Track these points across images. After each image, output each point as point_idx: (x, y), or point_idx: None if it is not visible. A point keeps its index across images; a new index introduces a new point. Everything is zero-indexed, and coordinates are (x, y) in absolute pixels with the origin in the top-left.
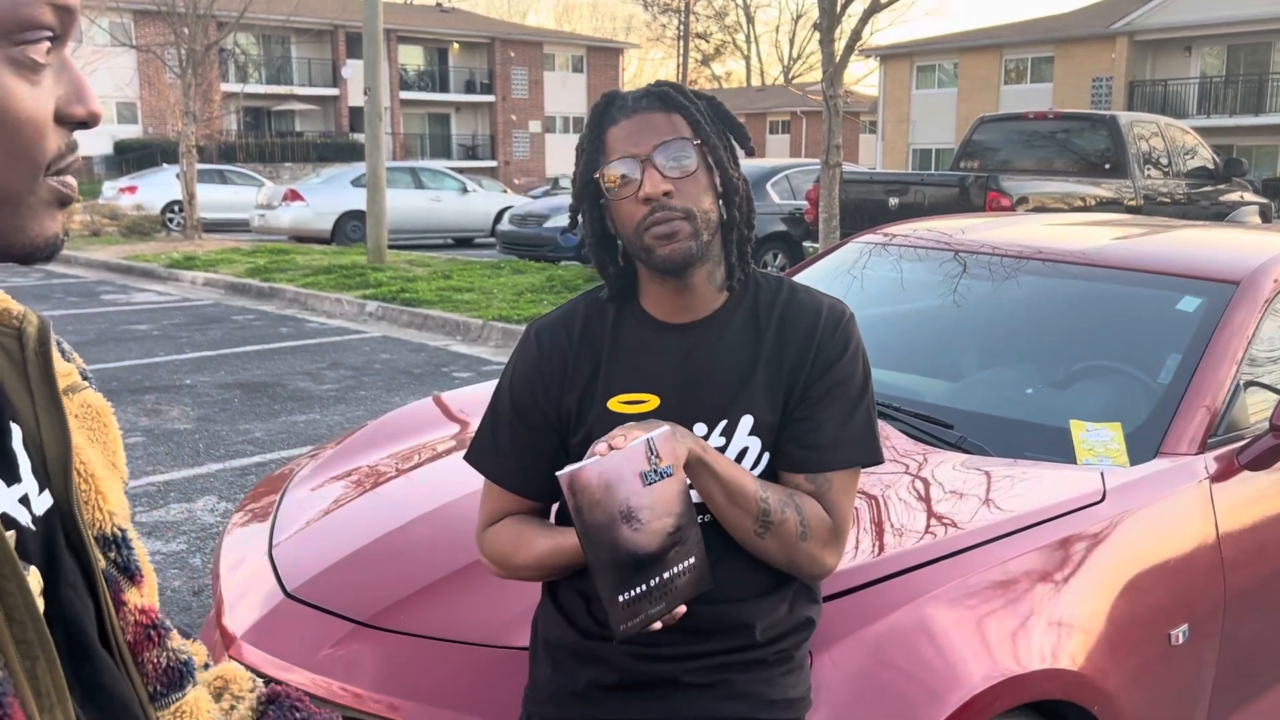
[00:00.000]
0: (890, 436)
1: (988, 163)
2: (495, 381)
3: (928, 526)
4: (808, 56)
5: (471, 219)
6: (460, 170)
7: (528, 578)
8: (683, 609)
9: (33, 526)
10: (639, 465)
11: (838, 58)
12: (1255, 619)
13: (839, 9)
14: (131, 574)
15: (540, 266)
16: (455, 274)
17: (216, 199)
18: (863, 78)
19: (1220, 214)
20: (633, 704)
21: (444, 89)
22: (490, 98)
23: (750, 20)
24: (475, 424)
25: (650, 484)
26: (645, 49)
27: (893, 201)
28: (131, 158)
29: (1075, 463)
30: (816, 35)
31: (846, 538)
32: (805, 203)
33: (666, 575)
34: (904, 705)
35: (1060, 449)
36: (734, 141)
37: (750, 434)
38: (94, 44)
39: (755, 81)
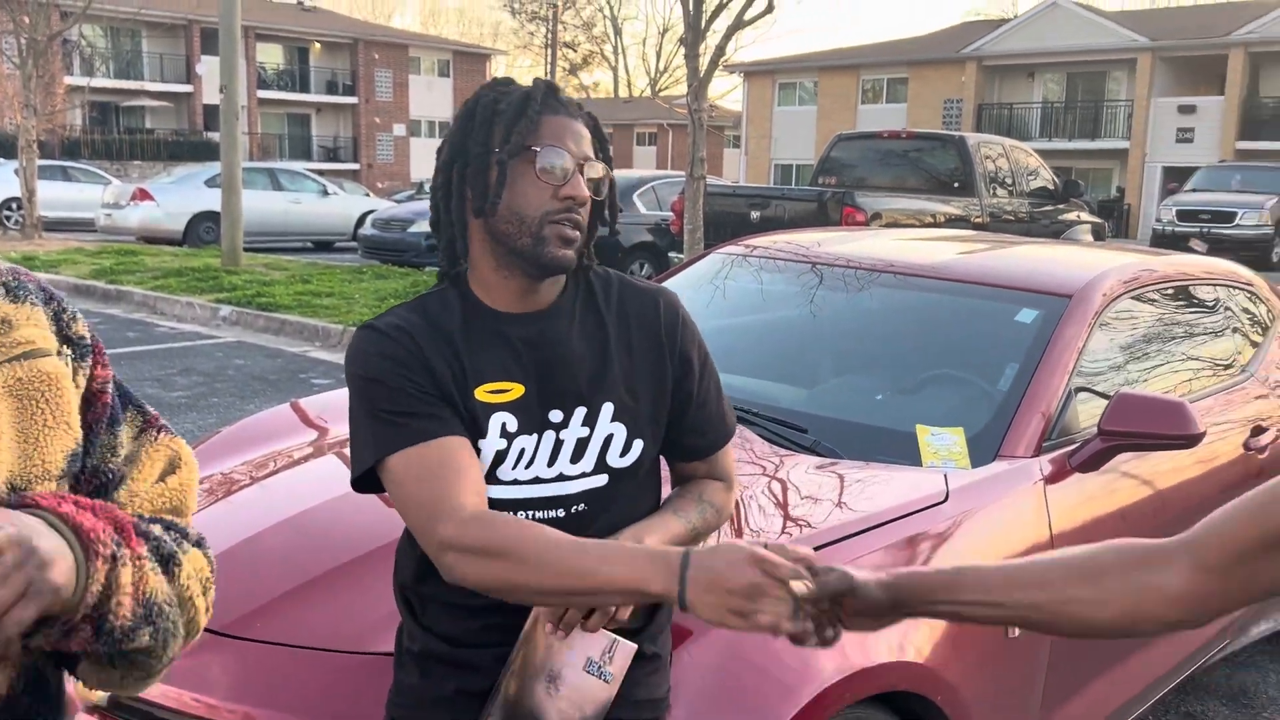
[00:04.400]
0: (748, 441)
1: (845, 179)
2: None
3: (783, 527)
4: (674, 70)
5: (332, 222)
6: (321, 172)
7: (524, 582)
8: None
9: None
10: (592, 651)
11: (702, 73)
12: None
13: (704, 25)
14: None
15: (404, 272)
16: (315, 278)
17: (59, 197)
18: (727, 93)
19: (1059, 232)
20: None
21: (304, 89)
22: (353, 99)
23: (618, 32)
24: (335, 429)
25: (589, 672)
26: (513, 56)
27: (754, 214)
28: None
29: (921, 465)
30: (682, 49)
31: (737, 483)
32: (671, 214)
33: None
34: (759, 700)
35: (908, 452)
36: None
37: (613, 420)
38: None
39: (623, 93)
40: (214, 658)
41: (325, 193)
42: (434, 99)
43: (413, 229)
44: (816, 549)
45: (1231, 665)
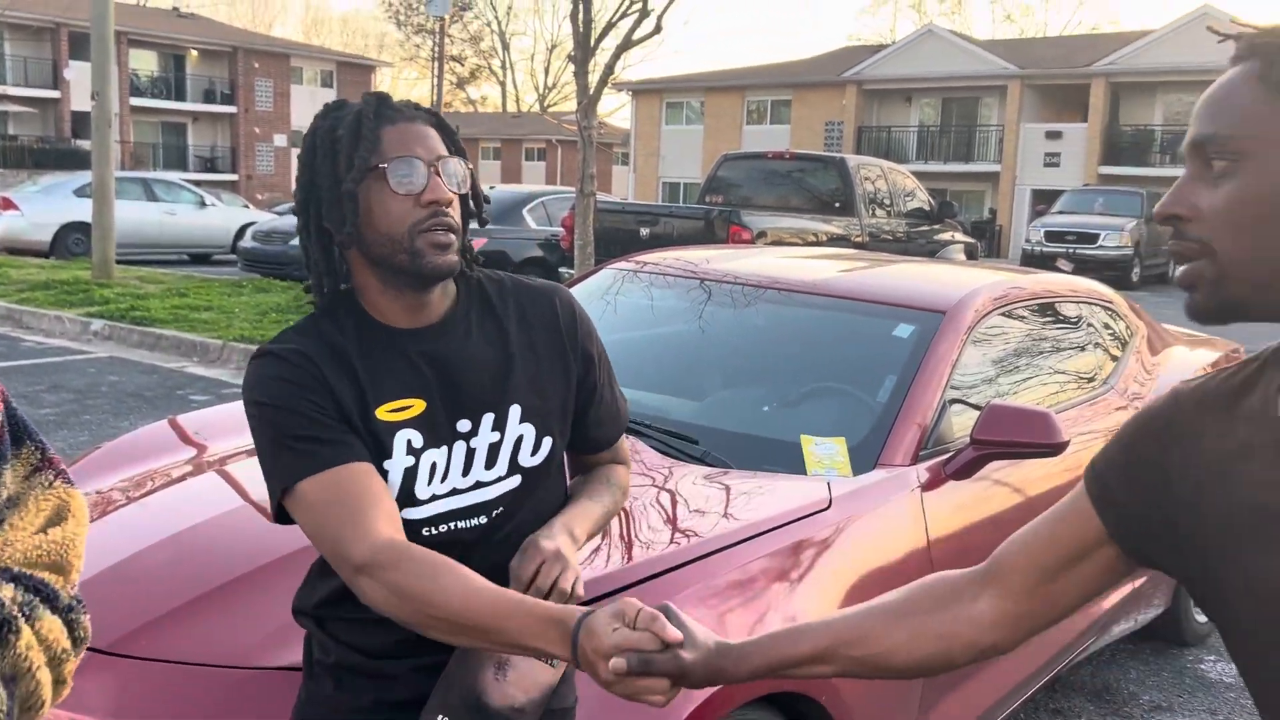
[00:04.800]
0: (640, 452)
1: (731, 198)
2: (236, 404)
3: (673, 535)
4: (563, 86)
5: (210, 234)
6: (197, 183)
7: (436, 625)
8: None
9: None
10: None
11: (591, 90)
12: None
13: (592, 44)
14: None
15: (286, 285)
16: (192, 292)
17: None
18: (615, 110)
19: (934, 251)
20: (412, 717)
21: (180, 97)
22: (232, 109)
23: (506, 47)
24: (215, 446)
25: (536, 658)
26: (399, 68)
27: (644, 231)
28: None
29: (806, 474)
30: (571, 66)
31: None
32: (561, 229)
33: None
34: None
35: (793, 462)
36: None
37: (522, 422)
38: None
39: (511, 108)
40: (94, 677)
41: (203, 204)
42: (317, 109)
43: (295, 242)
44: (706, 556)
45: (1095, 663)
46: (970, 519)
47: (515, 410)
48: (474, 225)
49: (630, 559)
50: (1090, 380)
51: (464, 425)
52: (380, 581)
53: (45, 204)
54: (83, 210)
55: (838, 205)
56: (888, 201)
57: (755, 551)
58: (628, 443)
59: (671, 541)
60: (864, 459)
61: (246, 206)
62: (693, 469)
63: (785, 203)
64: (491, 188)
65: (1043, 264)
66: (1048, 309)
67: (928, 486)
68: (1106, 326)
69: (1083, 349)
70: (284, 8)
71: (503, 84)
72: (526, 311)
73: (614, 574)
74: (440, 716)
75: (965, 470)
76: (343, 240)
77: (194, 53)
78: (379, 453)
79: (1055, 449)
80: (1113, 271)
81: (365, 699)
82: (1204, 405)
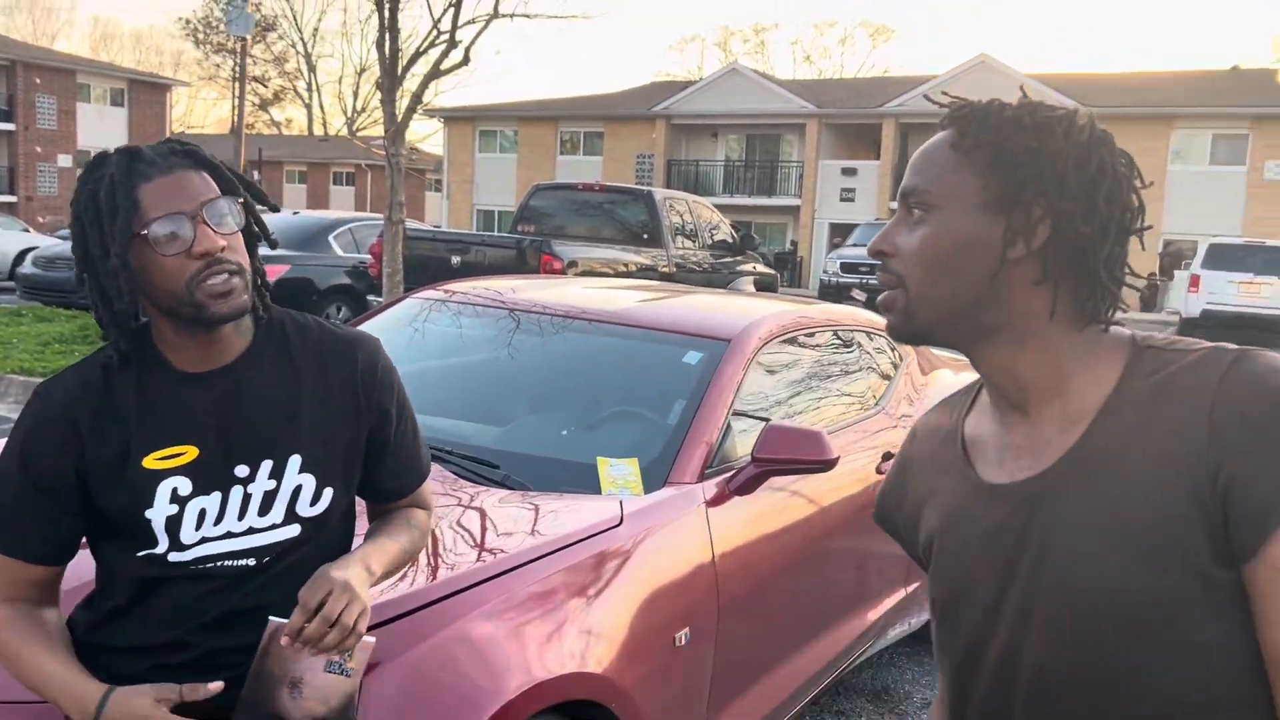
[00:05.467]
0: (444, 478)
1: (543, 227)
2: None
3: (471, 554)
4: (373, 110)
5: None
6: None
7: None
8: None
9: None
10: (332, 653)
11: (399, 117)
12: (744, 622)
13: (400, 72)
14: None
15: (71, 314)
16: None
17: None
18: (428, 137)
19: (729, 282)
20: None
21: None
22: (10, 126)
23: (312, 69)
24: None
25: (329, 671)
26: (196, 88)
27: (455, 260)
28: None
29: (601, 493)
30: (376, 89)
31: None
32: (369, 257)
33: None
34: (446, 715)
35: (590, 482)
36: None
37: (301, 472)
38: None
39: (319, 131)
40: None
41: None
42: (106, 129)
43: None
44: (502, 574)
45: (875, 666)
46: (753, 530)
47: (295, 460)
48: (277, 251)
49: (433, 578)
50: (863, 402)
51: (242, 470)
52: None
53: None
54: None
55: (646, 237)
56: (693, 233)
57: (550, 568)
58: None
59: (469, 561)
60: (655, 478)
61: (26, 230)
62: (494, 492)
63: (596, 233)
64: (295, 213)
65: (839, 294)
66: (826, 337)
67: (713, 502)
68: (880, 352)
69: (857, 374)
70: (69, 21)
71: (309, 107)
72: (326, 359)
73: (411, 594)
74: None
75: (747, 486)
76: (123, 310)
77: None
78: (141, 500)
79: (825, 465)
80: None
81: None
82: (926, 433)
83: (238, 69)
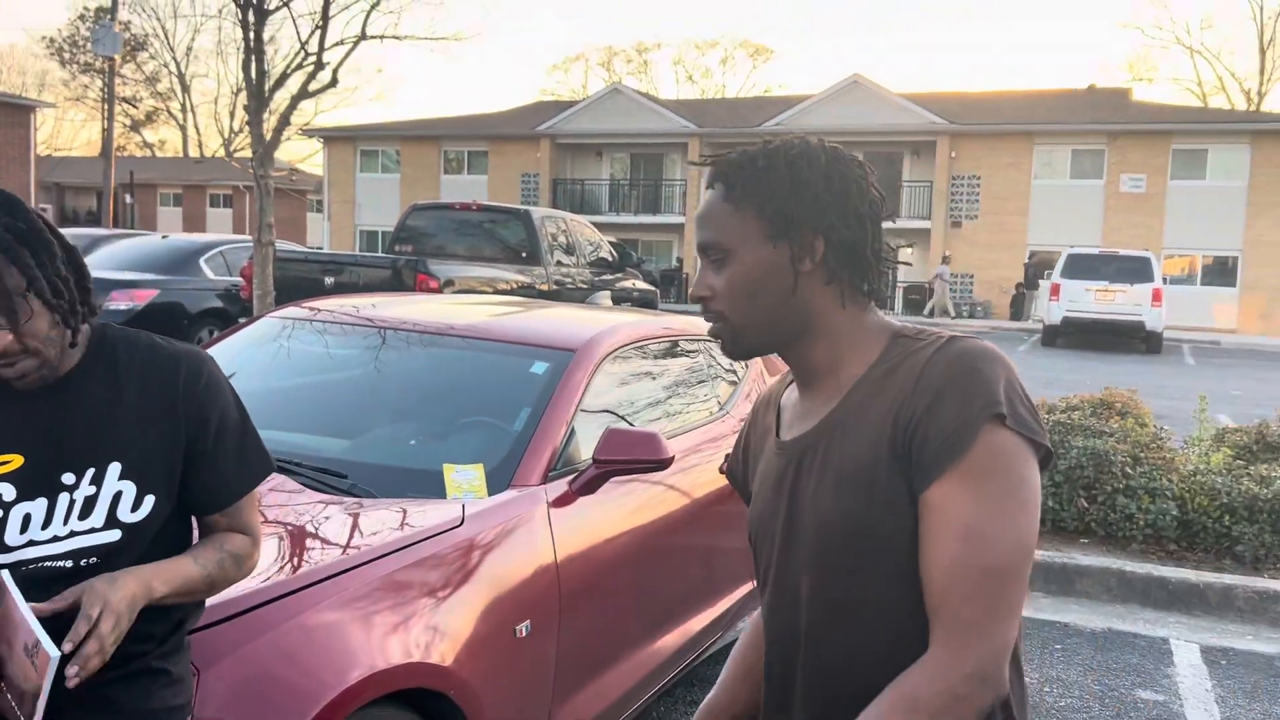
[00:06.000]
0: (293, 490)
1: (423, 247)
2: None
3: (313, 554)
4: (248, 130)
5: None
6: None
7: None
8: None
9: None
10: (27, 640)
11: (268, 138)
12: (587, 615)
13: (267, 92)
14: None
15: None
16: None
17: None
18: (308, 157)
19: (618, 298)
20: None
21: None
22: None
23: (186, 89)
24: None
25: (26, 656)
26: (63, 109)
27: (329, 280)
28: None
29: (446, 498)
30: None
31: (262, 537)
32: (241, 279)
33: None
34: (283, 702)
35: (437, 489)
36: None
37: (121, 478)
38: None
39: (194, 152)
40: None
41: None
42: None
43: None
44: (343, 572)
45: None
46: (593, 528)
47: (115, 467)
48: (146, 275)
49: (271, 578)
50: (709, 407)
51: (68, 478)
52: None
53: None
54: None
55: (524, 255)
56: (573, 251)
57: (390, 565)
58: (270, 488)
59: (314, 562)
60: (499, 481)
61: None
62: (341, 500)
63: (477, 253)
64: (165, 236)
65: None
66: (673, 346)
67: (557, 503)
68: (726, 361)
69: (704, 381)
70: None
71: (183, 128)
72: (149, 373)
73: (254, 591)
74: None
75: (589, 486)
76: None
77: None
78: None
79: (662, 464)
80: None
81: None
82: (761, 401)
83: (106, 89)
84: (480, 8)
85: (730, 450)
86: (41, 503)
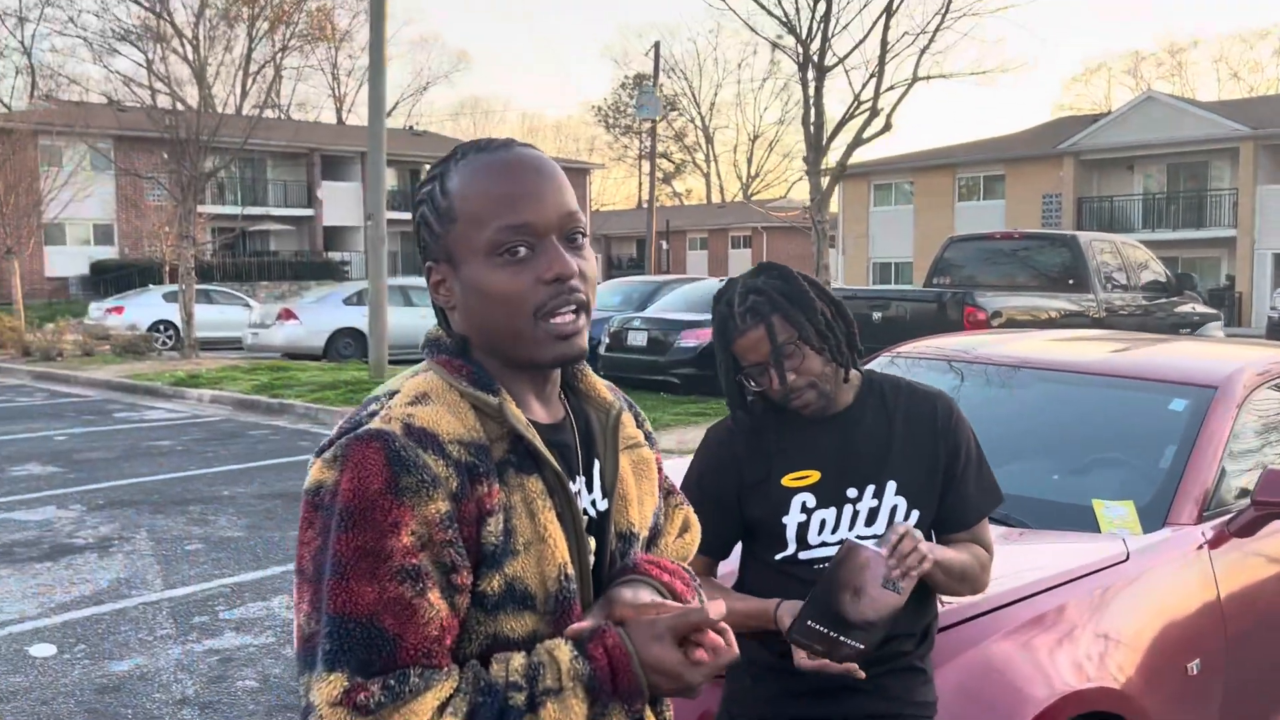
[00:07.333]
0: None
1: (956, 279)
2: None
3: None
4: (765, 174)
5: None
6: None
7: None
8: (829, 664)
9: (595, 516)
10: (885, 572)
11: (825, 187)
12: (1252, 658)
13: (824, 143)
14: (627, 550)
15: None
16: None
17: (204, 318)
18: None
19: (1175, 325)
20: (816, 704)
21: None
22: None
23: (709, 140)
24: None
25: (884, 588)
26: (609, 169)
27: (876, 316)
28: (109, 278)
29: (1100, 532)
30: (770, 153)
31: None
32: None
33: (841, 639)
34: (1002, 706)
35: (1083, 521)
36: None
37: (897, 494)
38: (83, 169)
39: (715, 198)
40: None
41: None
42: None
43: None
44: (1016, 602)
45: None
46: (1258, 572)
47: (892, 484)
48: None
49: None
50: None
51: (852, 492)
52: None
53: (319, 313)
54: (350, 317)
55: (1070, 282)
56: (1122, 276)
57: (1067, 595)
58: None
59: (996, 587)
60: (1152, 519)
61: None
62: (997, 529)
63: (1011, 281)
64: (722, 280)
65: None
66: None
67: (1213, 544)
68: None
69: None
70: (502, 119)
71: (706, 176)
72: (912, 408)
73: (956, 609)
74: (809, 622)
75: (1248, 529)
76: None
77: (427, 168)
78: (779, 510)
79: None
80: None
81: (775, 689)
82: None
83: (644, 148)
84: (1028, 36)
85: None
86: (831, 511)
